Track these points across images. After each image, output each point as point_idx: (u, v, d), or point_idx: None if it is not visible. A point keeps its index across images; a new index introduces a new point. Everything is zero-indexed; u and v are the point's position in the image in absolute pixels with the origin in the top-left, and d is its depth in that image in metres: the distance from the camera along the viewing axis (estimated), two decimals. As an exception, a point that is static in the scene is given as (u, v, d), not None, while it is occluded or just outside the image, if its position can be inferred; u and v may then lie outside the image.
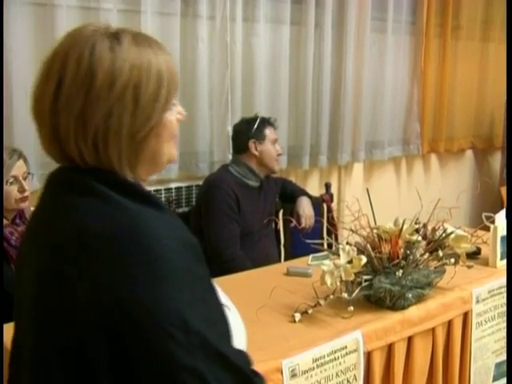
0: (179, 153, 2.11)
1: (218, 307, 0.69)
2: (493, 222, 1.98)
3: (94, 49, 0.69)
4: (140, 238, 0.65)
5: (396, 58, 2.96)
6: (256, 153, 2.05)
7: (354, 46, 2.66)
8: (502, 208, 3.13)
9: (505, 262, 1.95)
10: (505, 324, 1.83)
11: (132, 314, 0.64)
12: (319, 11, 2.55)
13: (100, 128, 0.69)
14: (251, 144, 2.05)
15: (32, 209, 0.80)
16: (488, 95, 3.55)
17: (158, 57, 0.70)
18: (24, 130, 1.80)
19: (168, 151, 0.74)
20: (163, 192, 2.24)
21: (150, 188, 2.12)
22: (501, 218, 2.04)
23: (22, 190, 1.50)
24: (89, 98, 0.68)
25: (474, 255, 1.99)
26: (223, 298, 0.75)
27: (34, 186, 1.73)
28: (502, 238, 1.97)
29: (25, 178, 1.53)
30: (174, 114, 0.74)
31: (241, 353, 0.71)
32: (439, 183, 3.40)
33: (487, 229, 1.97)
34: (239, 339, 0.76)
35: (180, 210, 2.20)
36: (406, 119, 3.13)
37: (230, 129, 2.26)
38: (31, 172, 1.62)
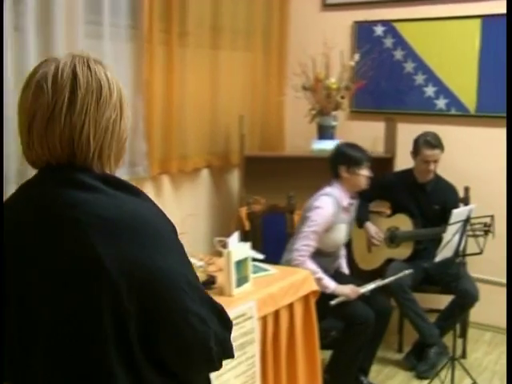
0: None
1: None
2: (225, 246, 2.46)
3: (91, 68, 1.16)
4: (142, 220, 1.13)
5: (116, 67, 3.20)
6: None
7: (63, 53, 2.86)
8: (244, 230, 3.82)
9: (242, 289, 2.45)
10: (246, 356, 2.33)
11: (154, 277, 1.10)
12: (19, 10, 2.62)
13: (103, 129, 1.16)
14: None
15: None
16: (221, 108, 4.17)
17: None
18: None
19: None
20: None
21: None
22: (234, 241, 2.54)
23: None
24: (99, 104, 1.15)
25: (208, 284, 2.45)
26: None
27: None
28: (238, 263, 2.46)
29: None
30: None
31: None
32: (173, 207, 3.88)
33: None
34: None
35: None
36: (131, 138, 3.37)
37: None
38: None
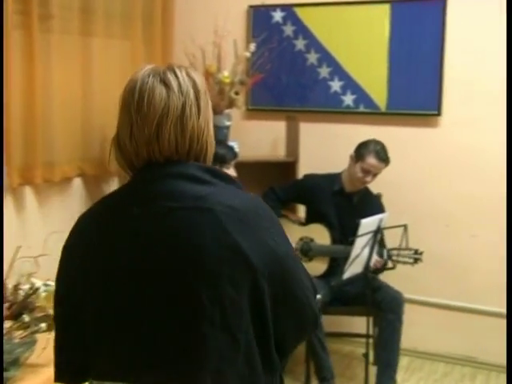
0: None
1: None
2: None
3: (191, 72, 1.50)
4: (261, 208, 1.44)
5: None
6: None
7: None
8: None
9: None
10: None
11: (281, 259, 1.40)
12: None
13: (208, 129, 1.47)
14: None
15: None
16: (96, 106, 3.99)
17: None
18: None
19: None
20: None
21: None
22: None
23: None
24: (206, 106, 1.47)
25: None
26: None
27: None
28: None
29: None
30: None
31: None
32: (38, 224, 3.65)
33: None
34: None
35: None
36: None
37: None
38: None
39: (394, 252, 3.45)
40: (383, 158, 3.73)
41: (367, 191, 3.90)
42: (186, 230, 1.34)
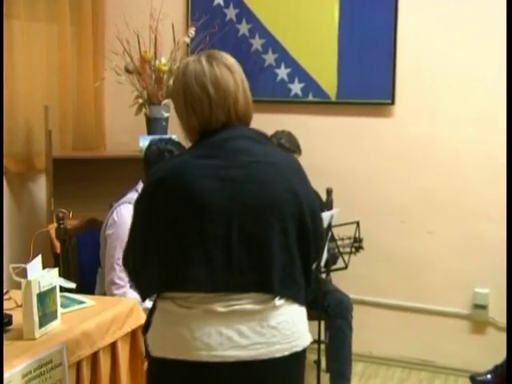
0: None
1: None
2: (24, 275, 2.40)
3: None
4: (296, 162, 2.19)
5: None
6: None
7: None
8: (54, 253, 3.73)
9: (47, 329, 2.40)
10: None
11: (315, 204, 2.13)
12: None
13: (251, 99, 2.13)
14: None
15: None
16: (18, 96, 4.08)
17: None
18: None
19: None
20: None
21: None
22: (35, 267, 2.48)
23: None
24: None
25: (7, 325, 2.40)
26: None
27: None
28: (41, 295, 2.39)
29: None
30: None
31: None
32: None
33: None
34: None
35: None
36: None
37: None
38: None
39: (331, 245, 3.55)
40: (290, 149, 3.79)
41: None
42: (262, 178, 2.01)
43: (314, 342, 3.82)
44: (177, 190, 1.99)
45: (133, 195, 3.27)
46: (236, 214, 1.98)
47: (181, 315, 1.98)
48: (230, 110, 2.05)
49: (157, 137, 3.90)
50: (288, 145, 3.84)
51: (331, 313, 3.80)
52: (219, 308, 1.97)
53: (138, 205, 2.09)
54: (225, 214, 1.98)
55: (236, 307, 1.98)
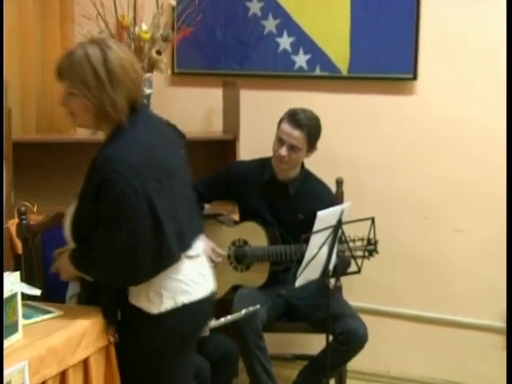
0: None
1: None
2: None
3: None
4: None
5: None
6: None
7: None
8: (15, 253, 3.69)
9: (7, 344, 2.37)
10: None
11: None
12: None
13: None
14: None
15: None
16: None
17: None
18: None
19: None
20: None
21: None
22: None
23: None
24: None
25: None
26: None
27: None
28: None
29: None
30: None
31: None
32: None
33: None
34: None
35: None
36: None
37: None
38: None
39: (341, 247, 3.51)
40: (300, 123, 3.76)
41: (308, 178, 4.00)
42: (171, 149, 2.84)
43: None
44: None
45: None
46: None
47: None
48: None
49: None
50: (301, 117, 3.76)
51: (340, 340, 3.73)
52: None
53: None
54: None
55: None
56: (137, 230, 2.56)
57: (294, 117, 3.76)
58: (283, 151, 3.76)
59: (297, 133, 3.76)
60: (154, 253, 2.60)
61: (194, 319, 2.84)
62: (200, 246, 2.89)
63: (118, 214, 2.56)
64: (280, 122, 3.82)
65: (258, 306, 3.58)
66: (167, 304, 2.70)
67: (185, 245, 2.75)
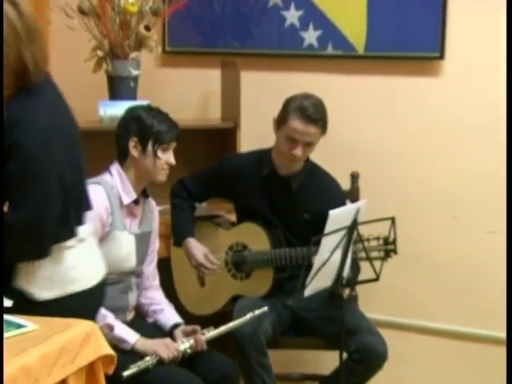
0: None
1: None
2: None
3: None
4: None
5: None
6: None
7: None
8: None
9: None
10: None
11: None
12: None
13: None
14: None
15: None
16: None
17: None
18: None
19: None
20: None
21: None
22: None
23: None
24: None
25: None
26: None
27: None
28: None
29: None
30: None
31: None
32: None
33: None
34: None
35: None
36: None
37: None
38: None
39: (356, 248, 3.47)
40: (313, 117, 3.69)
41: (314, 171, 3.94)
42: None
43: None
44: None
45: (104, 177, 3.47)
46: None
47: None
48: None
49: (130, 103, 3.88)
50: (313, 110, 3.71)
51: (356, 358, 3.67)
52: None
53: None
54: None
55: None
56: (47, 196, 2.65)
57: (304, 112, 3.66)
58: (298, 151, 3.70)
59: (312, 129, 3.69)
60: (57, 222, 2.71)
61: (83, 308, 2.86)
62: (88, 228, 2.95)
63: (31, 177, 2.62)
64: (284, 118, 3.72)
65: (266, 308, 3.52)
66: (56, 292, 2.80)
67: (79, 221, 2.85)
